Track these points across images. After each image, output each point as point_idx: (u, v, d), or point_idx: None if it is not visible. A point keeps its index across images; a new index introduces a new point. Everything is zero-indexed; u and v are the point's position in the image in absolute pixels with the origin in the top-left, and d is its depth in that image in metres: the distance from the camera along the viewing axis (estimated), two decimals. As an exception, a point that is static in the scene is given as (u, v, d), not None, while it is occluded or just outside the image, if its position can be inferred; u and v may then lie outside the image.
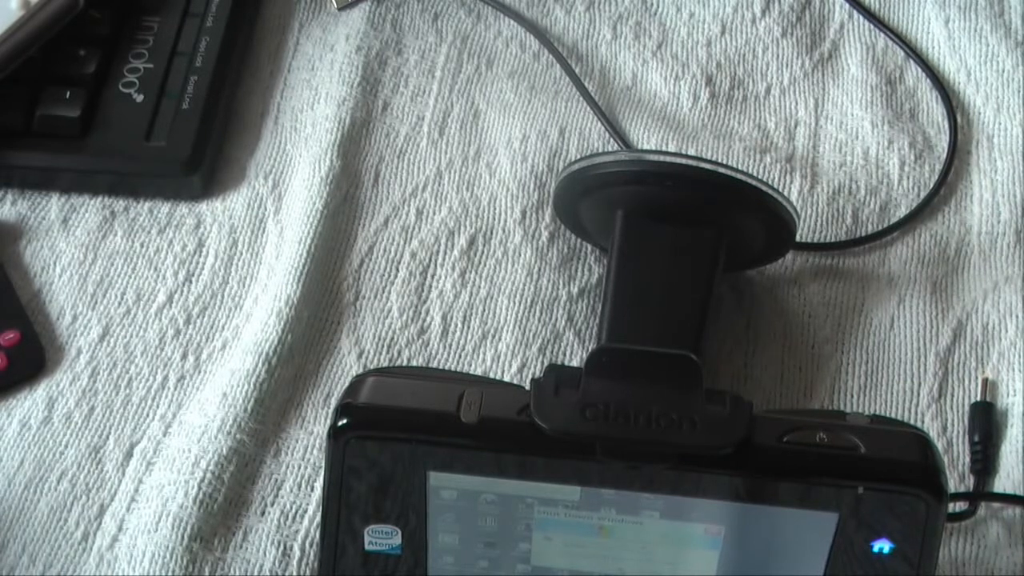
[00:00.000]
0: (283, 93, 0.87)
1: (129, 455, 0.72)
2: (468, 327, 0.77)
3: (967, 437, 0.72)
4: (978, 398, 0.74)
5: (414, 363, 0.76)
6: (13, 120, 0.82)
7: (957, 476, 0.71)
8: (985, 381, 0.74)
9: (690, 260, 0.72)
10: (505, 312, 0.78)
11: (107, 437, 0.73)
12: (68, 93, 0.82)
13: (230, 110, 0.86)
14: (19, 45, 0.81)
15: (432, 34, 0.90)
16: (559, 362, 0.76)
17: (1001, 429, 0.73)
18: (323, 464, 0.60)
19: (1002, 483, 0.71)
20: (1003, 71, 0.87)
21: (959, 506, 0.69)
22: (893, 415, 0.73)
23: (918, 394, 0.74)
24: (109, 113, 0.83)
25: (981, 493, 0.70)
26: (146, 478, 0.71)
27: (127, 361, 0.76)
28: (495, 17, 0.91)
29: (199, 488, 0.70)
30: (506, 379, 0.75)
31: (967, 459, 0.72)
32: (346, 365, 0.76)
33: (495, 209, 0.82)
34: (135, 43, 0.86)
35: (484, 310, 0.78)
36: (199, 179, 0.82)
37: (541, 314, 0.78)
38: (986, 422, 0.72)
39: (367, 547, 0.61)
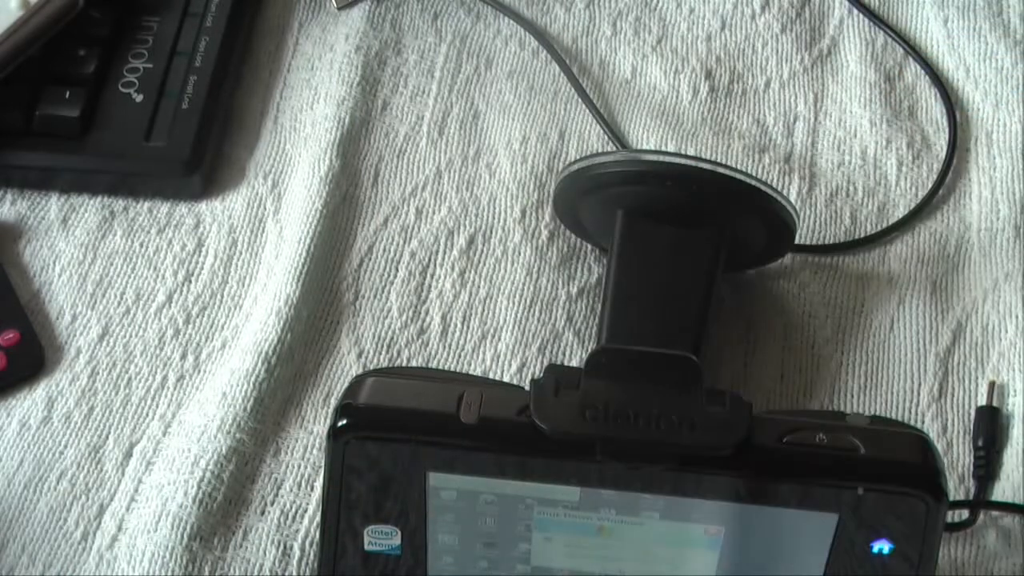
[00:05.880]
0: (283, 93, 0.87)
1: (129, 455, 0.72)
2: (467, 327, 0.77)
3: (971, 441, 0.72)
4: (979, 399, 0.74)
5: (414, 363, 0.76)
6: (13, 120, 0.82)
7: (957, 477, 0.71)
8: (991, 384, 0.74)
9: (690, 260, 0.72)
10: (504, 312, 0.78)
11: (107, 437, 0.73)
12: (68, 93, 0.82)
13: (230, 110, 0.86)
14: (19, 45, 0.81)
15: (431, 34, 0.90)
16: (559, 362, 0.76)
17: (1003, 432, 0.73)
18: (323, 464, 0.60)
19: (1002, 487, 0.71)
20: (1002, 68, 0.87)
21: (960, 514, 0.69)
22: (893, 415, 0.73)
23: (918, 394, 0.74)
24: (109, 113, 0.83)
25: (981, 501, 0.70)
26: (146, 478, 0.71)
27: (127, 361, 0.76)
28: (495, 16, 0.91)
29: (199, 487, 0.70)
30: (505, 379, 0.75)
31: (967, 460, 0.72)
32: (346, 365, 0.76)
33: (495, 209, 0.82)
34: (135, 43, 0.86)
35: (484, 310, 0.78)
36: (199, 179, 0.82)
37: (540, 314, 0.78)
38: (991, 427, 0.72)
39: (367, 547, 0.61)
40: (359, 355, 0.76)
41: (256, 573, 0.68)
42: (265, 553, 0.69)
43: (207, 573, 0.68)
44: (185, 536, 0.68)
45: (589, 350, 0.72)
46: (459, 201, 0.82)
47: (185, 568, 0.67)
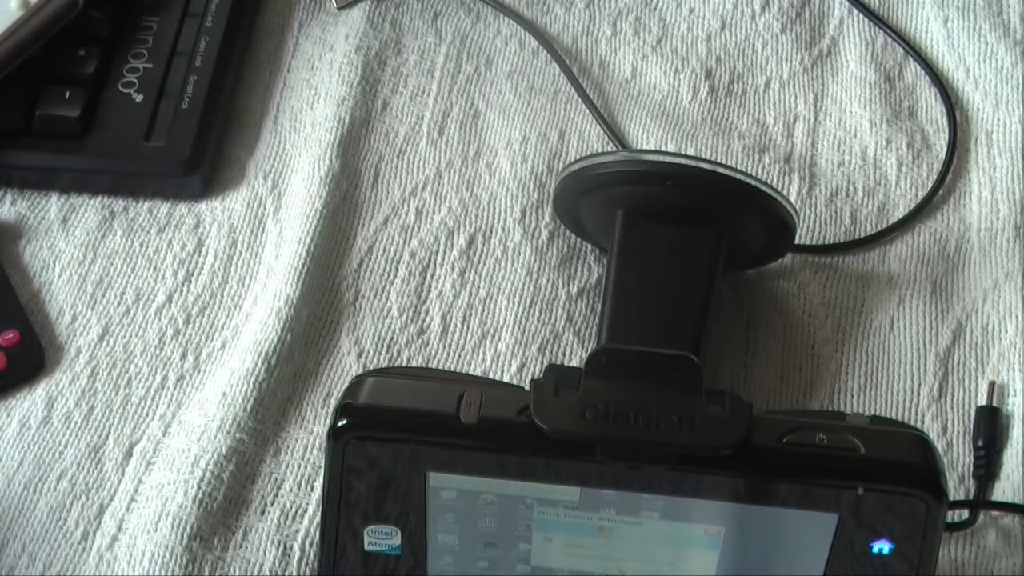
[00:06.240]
0: (283, 93, 0.87)
1: (129, 455, 0.72)
2: (467, 327, 0.77)
3: (971, 441, 0.72)
4: (979, 399, 0.74)
5: (413, 363, 0.76)
6: (13, 120, 0.82)
7: (957, 477, 0.71)
8: (992, 384, 0.74)
9: (690, 260, 0.72)
10: (504, 312, 0.78)
11: (107, 437, 0.73)
12: (68, 93, 0.82)
13: (230, 110, 0.86)
14: (19, 45, 0.81)
15: (431, 34, 0.90)
16: (559, 362, 0.76)
17: (1003, 432, 0.73)
18: (323, 464, 0.60)
19: (1002, 487, 0.71)
20: (1002, 68, 0.87)
21: (960, 514, 0.69)
22: (893, 415, 0.73)
23: (918, 394, 0.74)
24: (109, 113, 0.83)
25: (981, 501, 0.70)
26: (146, 478, 0.71)
27: (127, 361, 0.76)
28: (495, 16, 0.91)
29: (199, 488, 0.70)
30: (505, 379, 0.75)
31: (967, 460, 0.72)
32: (346, 365, 0.76)
33: (495, 209, 0.82)
34: (135, 43, 0.86)
35: (483, 310, 0.78)
36: (198, 179, 0.82)
37: (540, 314, 0.78)
38: (991, 427, 0.72)
39: (367, 547, 0.61)
40: (359, 355, 0.76)
41: (256, 573, 0.68)
42: (265, 553, 0.69)
43: (207, 573, 0.68)
44: (185, 536, 0.68)
45: (589, 350, 0.72)
46: (459, 201, 0.82)
47: (185, 568, 0.67)
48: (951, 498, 0.61)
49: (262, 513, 0.70)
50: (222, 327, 0.77)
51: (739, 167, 0.82)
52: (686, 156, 0.75)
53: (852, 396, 0.74)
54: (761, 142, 0.85)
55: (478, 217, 0.81)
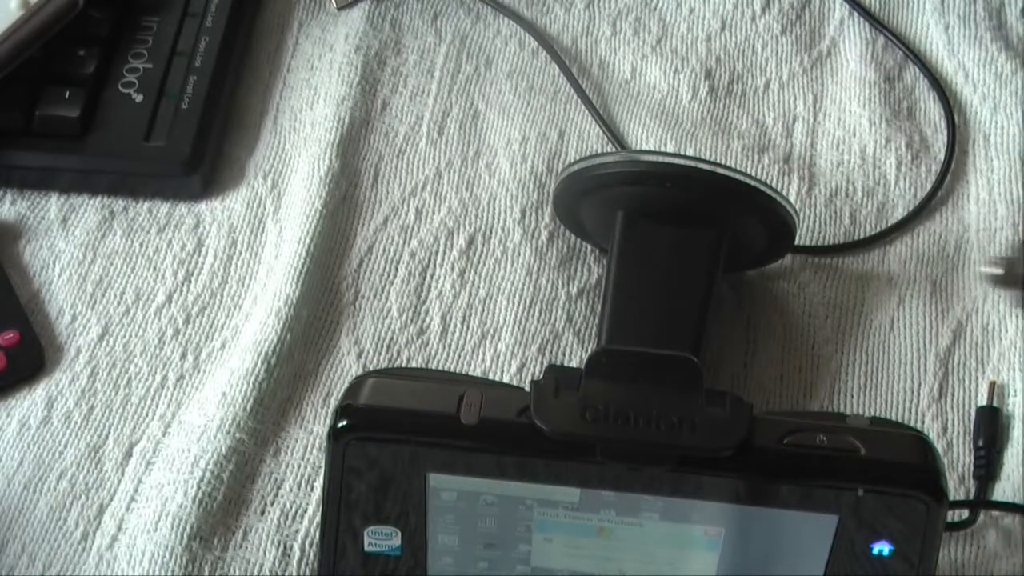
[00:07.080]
0: (282, 93, 0.87)
1: (128, 455, 0.72)
2: (467, 327, 0.77)
3: (971, 441, 0.72)
4: (979, 400, 0.74)
5: (413, 363, 0.76)
6: (13, 120, 0.82)
7: (957, 477, 0.71)
8: (992, 384, 0.74)
9: (690, 261, 0.72)
10: (504, 312, 0.78)
11: (106, 437, 0.73)
12: (68, 93, 0.82)
13: (229, 110, 0.86)
14: (19, 45, 0.81)
15: (431, 34, 0.90)
16: (558, 362, 0.76)
17: (1003, 432, 0.73)
18: (323, 464, 0.60)
19: (1002, 487, 0.71)
20: (1001, 74, 0.87)
21: (960, 514, 0.69)
22: (893, 416, 0.73)
23: (918, 395, 0.74)
24: (108, 113, 0.83)
25: (981, 501, 0.70)
26: (145, 478, 0.71)
27: (126, 361, 0.76)
28: (494, 16, 0.91)
29: (198, 487, 0.70)
30: (505, 379, 0.75)
31: (968, 460, 0.72)
32: (345, 365, 0.76)
33: (494, 209, 0.82)
34: (135, 43, 0.86)
35: (483, 310, 0.78)
36: (198, 179, 0.82)
37: (540, 314, 0.78)
38: (992, 427, 0.72)
39: (367, 548, 0.61)
40: (359, 355, 0.76)
41: (256, 573, 0.68)
42: (265, 553, 0.69)
43: (207, 573, 0.68)
44: (185, 536, 0.68)
45: (589, 350, 0.72)
46: (459, 201, 0.82)
47: (185, 568, 0.67)
48: (951, 498, 0.61)
49: (262, 513, 0.70)
50: (222, 327, 0.77)
51: (739, 167, 0.82)
52: (685, 157, 0.76)
53: (852, 396, 0.74)
54: (760, 142, 0.85)
55: (478, 217, 0.81)
